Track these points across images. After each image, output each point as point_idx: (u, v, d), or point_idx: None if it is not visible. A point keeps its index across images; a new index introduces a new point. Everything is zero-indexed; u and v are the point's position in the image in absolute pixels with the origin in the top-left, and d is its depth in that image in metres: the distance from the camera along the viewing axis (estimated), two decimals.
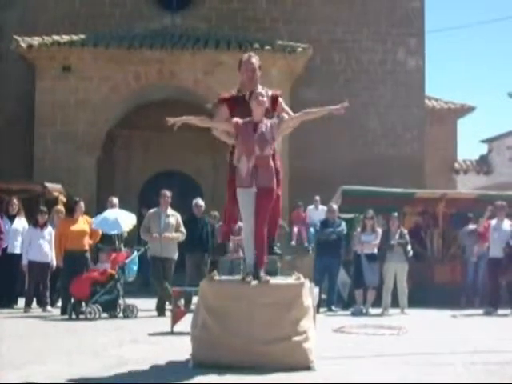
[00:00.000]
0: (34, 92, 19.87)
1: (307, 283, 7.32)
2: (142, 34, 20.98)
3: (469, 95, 61.92)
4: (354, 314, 13.53)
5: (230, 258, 11.67)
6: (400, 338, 10.01)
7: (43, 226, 13.48)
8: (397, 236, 13.99)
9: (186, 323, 8.62)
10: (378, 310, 13.67)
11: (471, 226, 15.32)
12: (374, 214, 14.09)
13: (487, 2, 58.41)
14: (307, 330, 7.06)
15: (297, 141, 18.14)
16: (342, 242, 14.43)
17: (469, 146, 60.72)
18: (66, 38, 20.14)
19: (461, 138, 28.76)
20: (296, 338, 6.95)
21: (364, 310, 13.72)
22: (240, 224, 7.89)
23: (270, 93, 7.53)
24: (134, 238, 14.77)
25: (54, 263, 13.30)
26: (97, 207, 17.03)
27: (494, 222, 14.37)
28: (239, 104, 7.42)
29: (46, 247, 13.36)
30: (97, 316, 11.68)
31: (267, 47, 20.05)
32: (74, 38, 20.20)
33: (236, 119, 7.37)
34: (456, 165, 28.00)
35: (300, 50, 20.05)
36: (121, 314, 12.09)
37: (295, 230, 19.00)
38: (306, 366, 6.89)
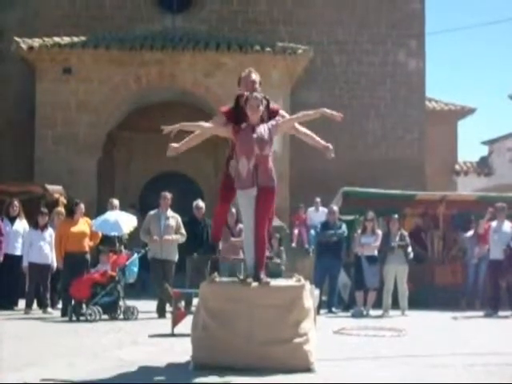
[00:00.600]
0: (34, 93, 19.87)
1: (308, 285, 7.32)
2: (143, 35, 20.99)
3: (469, 97, 61.98)
4: (354, 316, 13.52)
5: (228, 259, 11.71)
6: (400, 340, 10.01)
7: (44, 227, 13.47)
8: (397, 238, 13.99)
9: (186, 325, 8.62)
10: (379, 312, 13.67)
11: (471, 232, 15.31)
12: (375, 216, 14.09)
13: (488, 3, 58.49)
14: (308, 332, 7.06)
15: (297, 143, 18.09)
16: (342, 243, 14.43)
17: (469, 148, 60.70)
18: (66, 39, 20.15)
19: (461, 139, 28.86)
20: (296, 340, 6.95)
21: (364, 312, 13.72)
22: (241, 225, 7.91)
23: (268, 104, 7.48)
24: (134, 240, 14.75)
25: (55, 265, 13.30)
26: (97, 209, 17.03)
27: (494, 223, 14.36)
28: (237, 117, 7.39)
29: (46, 249, 13.35)
30: (97, 318, 11.68)
31: (268, 49, 20.06)
32: (75, 39, 20.21)
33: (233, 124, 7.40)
34: (456, 166, 28.02)
35: (300, 51, 20.06)
36: (121, 316, 12.08)
37: (296, 231, 19.02)
38: (307, 368, 6.90)
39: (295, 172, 19.23)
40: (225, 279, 8.16)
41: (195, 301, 9.58)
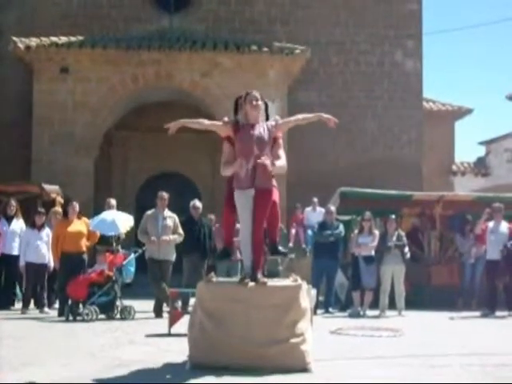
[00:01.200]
0: (31, 93, 19.85)
1: (305, 285, 7.33)
2: (140, 35, 20.98)
3: (466, 97, 61.99)
4: (351, 316, 13.52)
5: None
6: (397, 340, 10.01)
7: (41, 227, 13.46)
8: (394, 238, 13.99)
9: (183, 325, 8.63)
10: (376, 312, 13.67)
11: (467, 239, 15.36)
12: (372, 216, 14.09)
13: (485, 3, 58.54)
14: (304, 332, 7.07)
15: (295, 143, 18.15)
16: (339, 244, 14.42)
17: (466, 148, 60.74)
18: (63, 39, 20.13)
19: (458, 140, 28.88)
20: (293, 340, 6.95)
21: (361, 312, 13.72)
22: (238, 226, 7.90)
23: (272, 123, 7.46)
24: (131, 240, 14.75)
25: (52, 265, 13.29)
26: (94, 209, 17.03)
27: (491, 224, 14.37)
28: (239, 130, 7.36)
29: (43, 248, 13.35)
30: (94, 317, 11.67)
31: (265, 49, 20.07)
32: (72, 39, 20.19)
33: (231, 120, 7.41)
34: (453, 167, 28.03)
35: (298, 51, 20.06)
36: (118, 316, 12.08)
37: (293, 231, 19.02)
38: (303, 368, 6.91)
39: (292, 172, 19.17)
40: (222, 279, 8.16)
41: (192, 300, 9.58)
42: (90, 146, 19.76)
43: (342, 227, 14.45)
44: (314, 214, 18.36)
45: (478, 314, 13.87)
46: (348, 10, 22.75)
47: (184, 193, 18.65)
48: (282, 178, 18.93)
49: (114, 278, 12.10)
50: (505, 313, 13.74)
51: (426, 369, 7.40)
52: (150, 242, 12.57)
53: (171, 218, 12.79)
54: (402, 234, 14.25)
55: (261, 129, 7.29)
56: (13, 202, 13.86)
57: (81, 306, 11.78)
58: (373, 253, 13.86)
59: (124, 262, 12.34)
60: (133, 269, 12.56)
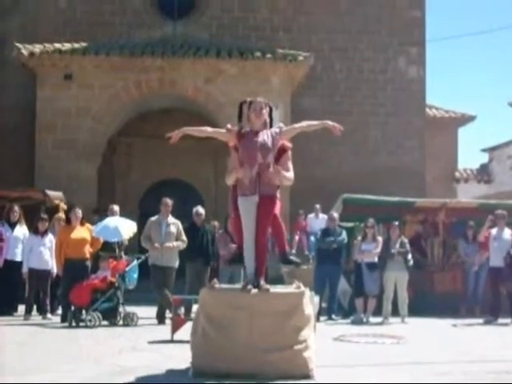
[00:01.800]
0: (35, 99, 19.89)
1: (307, 292, 7.32)
2: (143, 42, 21.02)
3: (469, 104, 61.95)
4: (354, 323, 13.51)
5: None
6: (400, 347, 10.00)
7: (44, 233, 13.47)
8: (397, 245, 13.98)
9: (186, 331, 8.62)
10: (379, 319, 13.65)
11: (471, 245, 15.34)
12: (375, 223, 14.09)
13: (488, 11, 58.57)
14: (307, 339, 7.06)
15: (298, 149, 18.10)
16: (342, 250, 14.40)
17: (469, 155, 60.69)
18: (67, 45, 20.18)
19: (461, 146, 28.84)
20: (296, 347, 6.95)
21: (364, 319, 13.71)
22: None
23: (276, 130, 7.45)
24: (134, 246, 14.76)
25: (55, 271, 13.29)
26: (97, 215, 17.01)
27: (494, 231, 14.36)
28: (243, 137, 7.36)
29: (46, 255, 13.34)
30: (97, 324, 11.67)
31: (268, 56, 20.09)
32: (76, 45, 20.23)
33: (234, 128, 7.41)
34: (457, 174, 28.02)
35: (301, 58, 20.08)
36: (121, 322, 12.07)
37: (296, 238, 19.02)
38: (306, 375, 6.90)
39: (295, 178, 19.23)
40: (224, 286, 8.15)
41: (195, 307, 9.58)
42: (94, 153, 19.78)
43: (344, 234, 14.44)
44: (317, 221, 18.36)
45: (481, 320, 13.84)
46: (351, 16, 22.77)
47: (187, 199, 18.65)
48: (284, 186, 18.95)
49: (116, 284, 12.10)
50: (508, 320, 13.70)
51: (428, 376, 7.39)
52: (153, 249, 12.56)
53: (175, 224, 12.78)
54: (405, 240, 14.24)
55: (265, 136, 7.28)
56: (16, 208, 13.86)
57: (84, 312, 11.78)
58: (376, 260, 13.85)
59: (127, 269, 12.34)
60: (136, 275, 12.56)
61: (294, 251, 18.36)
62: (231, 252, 12.87)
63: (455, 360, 8.56)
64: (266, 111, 7.38)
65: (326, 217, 15.84)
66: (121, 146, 22.07)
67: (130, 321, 12.04)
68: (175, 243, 12.65)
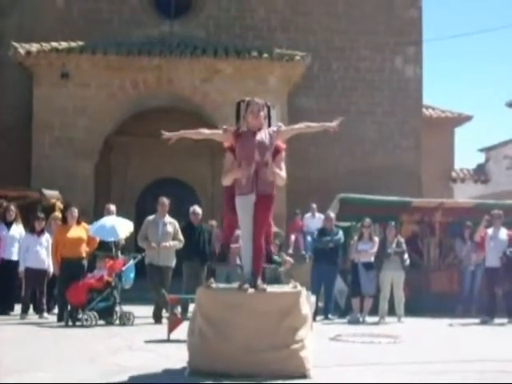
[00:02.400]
0: (31, 98, 19.88)
1: (304, 291, 7.33)
2: (141, 41, 21.01)
3: (466, 104, 62.04)
4: (350, 323, 13.52)
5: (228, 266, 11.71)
6: (397, 347, 10.01)
7: (40, 232, 13.46)
8: (394, 245, 13.99)
9: (182, 331, 8.62)
10: (375, 319, 13.66)
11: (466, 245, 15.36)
12: (371, 223, 14.10)
13: (485, 10, 58.62)
14: (304, 339, 7.07)
15: (294, 149, 18.15)
16: (339, 250, 14.41)
17: (466, 155, 60.79)
18: (64, 44, 20.16)
19: (458, 146, 28.81)
20: (293, 347, 6.95)
21: (361, 319, 13.72)
22: (238, 232, 7.91)
23: (274, 129, 7.44)
24: (130, 245, 14.75)
25: (51, 270, 13.28)
26: (94, 214, 17.02)
27: (490, 231, 14.37)
28: (240, 137, 7.35)
29: (42, 254, 13.34)
30: (93, 323, 11.66)
31: (265, 55, 20.10)
32: (72, 44, 20.23)
33: (231, 128, 7.40)
34: (453, 173, 28.04)
35: (298, 58, 20.09)
36: (117, 321, 12.06)
37: (292, 237, 19.02)
38: (303, 374, 6.90)
39: (292, 178, 19.21)
40: (221, 285, 8.16)
41: (191, 307, 9.58)
42: (90, 152, 19.77)
43: (341, 233, 14.45)
44: (314, 221, 18.37)
45: (477, 320, 13.86)
46: (348, 16, 22.79)
47: (184, 199, 18.64)
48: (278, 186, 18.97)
49: (113, 283, 12.10)
50: (504, 320, 13.73)
51: (424, 375, 7.39)
52: (150, 248, 12.56)
53: (171, 223, 12.78)
54: (402, 240, 14.25)
55: (262, 135, 7.28)
56: (12, 207, 13.84)
57: (80, 311, 11.76)
58: (372, 259, 13.86)
59: (123, 268, 12.34)
60: (132, 275, 12.55)
61: (290, 251, 18.40)
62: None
63: (451, 360, 8.57)
64: (263, 113, 7.36)
65: (322, 216, 15.85)
66: (117, 145, 22.04)
67: (126, 320, 12.04)
68: (172, 243, 12.64)
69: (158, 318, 12.54)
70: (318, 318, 13.49)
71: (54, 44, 20.10)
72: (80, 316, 11.70)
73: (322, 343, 9.34)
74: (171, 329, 10.05)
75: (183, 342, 7.70)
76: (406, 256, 14.04)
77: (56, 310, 13.07)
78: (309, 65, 20.49)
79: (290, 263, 13.21)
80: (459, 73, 60.80)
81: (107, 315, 12.04)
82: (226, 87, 19.54)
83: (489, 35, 70.85)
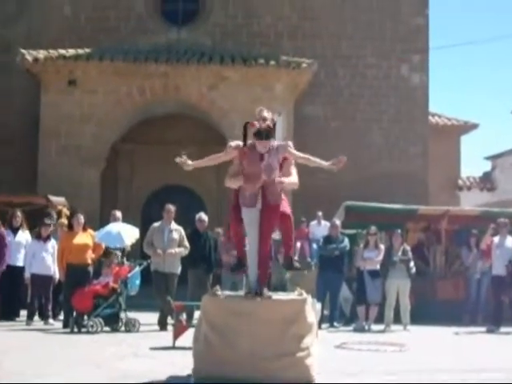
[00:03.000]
0: (38, 105, 19.92)
1: (310, 299, 7.33)
2: (148, 48, 21.05)
3: (472, 112, 61.97)
4: (356, 330, 13.50)
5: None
6: (402, 355, 9.99)
7: (46, 238, 13.48)
8: (400, 252, 13.97)
9: (187, 338, 8.62)
10: (381, 327, 13.64)
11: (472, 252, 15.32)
12: (377, 230, 14.08)
13: (491, 19, 58.62)
14: (309, 346, 7.06)
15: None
16: (344, 258, 14.39)
17: (472, 163, 60.66)
18: (71, 51, 20.21)
19: (464, 154, 28.72)
20: (298, 354, 6.95)
21: (366, 327, 13.69)
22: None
23: (282, 147, 7.45)
24: (136, 252, 14.77)
25: (57, 276, 13.29)
26: (100, 221, 17.04)
27: (496, 239, 14.34)
28: (247, 156, 7.35)
29: (48, 260, 13.36)
30: (99, 329, 11.67)
31: (272, 62, 20.10)
32: (80, 51, 20.27)
33: (238, 146, 7.39)
34: (459, 181, 27.98)
35: (305, 65, 20.09)
36: (123, 328, 12.06)
37: (298, 245, 18.99)
38: (308, 382, 6.91)
39: (298, 185, 19.24)
40: (227, 293, 8.16)
41: (197, 314, 9.57)
42: (97, 159, 19.80)
43: (346, 241, 14.43)
44: (319, 228, 18.34)
45: (483, 329, 13.82)
46: (355, 23, 22.80)
47: (189, 206, 18.65)
48: (287, 191, 18.96)
49: (118, 290, 12.11)
50: (510, 328, 13.67)
51: None
52: (155, 255, 12.56)
53: (177, 230, 12.79)
54: (408, 248, 14.23)
55: (270, 158, 7.28)
56: (18, 214, 13.87)
57: (85, 317, 11.78)
58: (378, 267, 13.84)
59: (129, 275, 12.35)
60: (138, 281, 12.56)
61: (296, 258, 18.35)
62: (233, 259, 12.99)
63: (457, 368, 8.55)
64: (268, 143, 7.30)
65: (328, 224, 15.83)
66: (124, 152, 22.08)
67: (131, 327, 12.04)
68: (177, 249, 12.64)
69: (163, 325, 12.53)
70: (324, 325, 13.47)
71: (62, 51, 20.15)
72: (85, 322, 11.71)
73: (327, 351, 9.32)
74: (176, 336, 10.05)
75: (188, 349, 7.70)
76: (411, 264, 14.02)
77: (61, 317, 13.08)
78: (315, 72, 20.48)
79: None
80: (465, 81, 60.81)
81: (113, 322, 12.05)
82: (233, 94, 19.56)
83: (495, 43, 70.82)
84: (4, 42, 21.78)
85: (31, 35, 21.66)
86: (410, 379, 7.63)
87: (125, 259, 12.82)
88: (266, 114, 7.58)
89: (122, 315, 12.15)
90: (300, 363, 6.95)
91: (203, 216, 13.63)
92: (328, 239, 14.55)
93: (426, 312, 14.74)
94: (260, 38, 22.51)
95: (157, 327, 12.58)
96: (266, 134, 7.21)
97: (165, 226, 12.75)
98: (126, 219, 14.49)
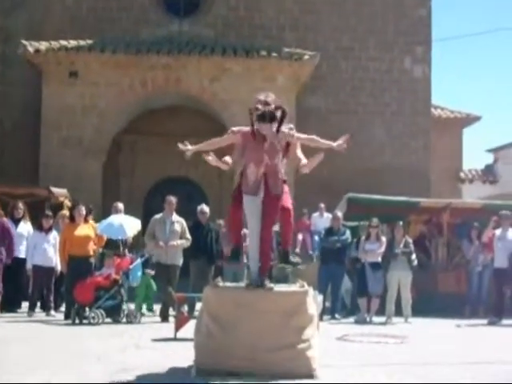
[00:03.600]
0: (40, 97, 19.91)
1: (311, 291, 7.32)
2: (149, 39, 21.04)
3: (475, 104, 61.87)
4: (357, 323, 13.50)
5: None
6: (403, 347, 9.99)
7: (48, 230, 13.49)
8: (401, 245, 13.96)
9: (189, 329, 8.62)
10: (382, 319, 13.64)
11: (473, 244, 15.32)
12: (379, 223, 14.07)
13: (494, 10, 58.47)
14: (311, 338, 7.06)
15: (302, 149, 18.14)
16: (346, 250, 14.40)
17: (474, 156, 60.54)
18: (73, 43, 20.20)
19: (466, 147, 28.66)
20: (299, 346, 6.94)
21: (368, 319, 13.70)
22: (245, 231, 7.90)
23: (285, 131, 7.44)
24: (139, 244, 14.77)
25: (59, 268, 13.30)
26: (102, 213, 17.04)
27: (498, 231, 14.34)
28: (250, 139, 7.33)
29: (50, 252, 13.36)
30: (100, 321, 11.68)
31: (274, 54, 20.09)
32: (82, 43, 20.27)
33: (242, 129, 7.40)
34: (461, 174, 27.96)
35: (307, 57, 20.07)
36: (124, 320, 12.08)
37: (300, 237, 19.00)
38: (309, 374, 6.89)
39: (299, 177, 19.23)
40: (228, 284, 8.16)
41: (198, 305, 9.58)
42: (99, 150, 19.80)
43: (348, 233, 14.43)
44: (321, 220, 18.34)
45: (485, 321, 13.82)
46: (357, 16, 22.76)
47: (191, 197, 18.65)
48: (289, 183, 18.93)
49: (120, 281, 12.11)
50: None
51: (431, 376, 7.38)
52: (157, 247, 12.56)
53: (179, 222, 12.78)
54: (410, 240, 14.22)
55: (273, 138, 7.27)
56: (20, 205, 13.87)
57: (87, 309, 11.79)
58: (379, 259, 13.84)
59: (131, 266, 12.35)
60: (139, 273, 12.57)
61: (297, 250, 18.37)
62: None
63: (458, 361, 8.54)
64: (275, 122, 7.27)
65: (330, 216, 15.84)
66: (126, 143, 22.07)
67: (133, 318, 12.06)
68: (179, 241, 12.64)
69: (164, 317, 12.54)
70: (325, 317, 13.47)
71: (63, 42, 20.15)
72: (87, 314, 11.72)
73: (328, 343, 9.33)
74: (178, 327, 10.06)
75: (190, 340, 7.70)
76: (413, 256, 14.02)
77: (63, 308, 13.10)
78: (317, 64, 20.47)
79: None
80: (468, 73, 60.69)
81: (114, 313, 12.06)
82: (235, 86, 19.54)
83: (497, 35, 70.68)
84: (5, 33, 21.75)
85: (32, 26, 21.64)
86: (411, 371, 7.63)
87: (126, 251, 12.84)
88: (270, 98, 7.55)
89: (124, 307, 12.17)
90: (301, 355, 6.94)
91: (205, 208, 13.63)
92: (329, 231, 14.55)
93: (427, 304, 14.75)
94: (262, 30, 22.47)
95: (158, 319, 12.59)
96: (270, 117, 7.20)
97: (166, 218, 12.74)
98: (127, 211, 14.48)
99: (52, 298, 13.39)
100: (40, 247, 13.33)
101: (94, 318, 11.65)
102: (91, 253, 12.82)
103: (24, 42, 19.61)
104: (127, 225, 12.86)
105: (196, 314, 9.50)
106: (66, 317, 12.34)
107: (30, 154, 20.12)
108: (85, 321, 11.68)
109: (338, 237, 14.28)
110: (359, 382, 6.97)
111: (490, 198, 22.40)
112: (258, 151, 7.21)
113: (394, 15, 22.96)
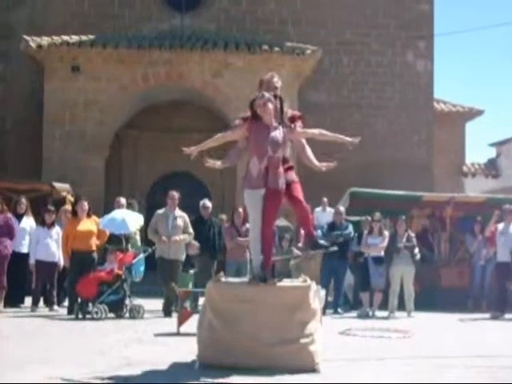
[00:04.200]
0: (42, 92, 19.90)
1: (314, 285, 7.32)
2: (151, 34, 21.01)
3: (477, 98, 61.80)
4: (360, 317, 13.51)
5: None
6: (406, 342, 9.99)
7: (51, 225, 13.50)
8: (404, 239, 13.96)
9: (192, 324, 8.62)
10: (385, 313, 13.65)
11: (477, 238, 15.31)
12: (382, 217, 14.07)
13: (498, 4, 58.33)
14: (313, 333, 7.06)
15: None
16: (348, 244, 14.39)
17: (477, 150, 60.50)
18: (75, 38, 20.17)
19: (469, 141, 28.64)
20: (302, 341, 6.94)
21: (370, 313, 13.71)
22: (247, 225, 7.91)
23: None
24: (141, 239, 14.76)
25: (62, 263, 13.32)
26: (104, 207, 17.05)
27: (501, 226, 14.33)
28: (254, 130, 7.33)
29: (53, 247, 13.37)
30: (103, 316, 11.70)
31: (276, 49, 20.04)
32: (84, 38, 20.23)
33: (246, 115, 7.39)
34: (464, 168, 27.96)
35: (309, 51, 20.03)
36: (127, 315, 12.09)
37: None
38: (312, 368, 6.90)
39: (302, 172, 19.17)
40: (231, 279, 8.16)
41: (201, 300, 9.58)
42: (101, 145, 19.79)
43: (351, 228, 14.43)
44: (324, 215, 18.30)
45: (487, 315, 13.83)
46: (359, 10, 22.70)
47: (194, 192, 18.64)
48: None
49: (123, 276, 12.12)
50: None
51: (434, 370, 7.38)
52: (160, 242, 12.57)
53: (181, 217, 12.79)
54: (412, 235, 14.22)
55: (276, 131, 7.26)
56: (23, 200, 13.88)
57: (90, 304, 11.80)
58: (382, 254, 13.84)
59: (133, 261, 12.36)
60: (142, 268, 12.58)
61: (300, 244, 18.35)
62: (238, 245, 13.02)
63: (461, 355, 8.54)
64: (271, 104, 7.29)
65: (332, 210, 15.83)
66: (128, 138, 22.05)
67: (136, 313, 12.06)
68: (182, 236, 12.66)
69: (167, 312, 12.56)
70: (328, 312, 13.48)
71: (65, 37, 20.11)
72: (90, 309, 11.74)
73: (331, 337, 9.34)
74: (181, 322, 10.06)
75: (193, 335, 7.70)
76: (416, 250, 14.02)
77: (66, 303, 13.12)
78: (320, 59, 20.43)
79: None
80: (470, 67, 60.59)
81: (117, 308, 12.07)
82: (237, 81, 19.51)
83: (500, 29, 70.52)
84: (7, 28, 21.73)
85: (34, 21, 21.62)
86: (414, 365, 7.63)
87: (129, 246, 12.85)
88: (277, 79, 7.55)
89: (127, 302, 12.18)
90: (304, 350, 6.95)
91: (207, 203, 13.64)
92: (332, 226, 14.55)
93: (430, 299, 14.77)
94: (264, 24, 22.43)
95: (161, 313, 12.60)
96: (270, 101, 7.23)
97: (169, 213, 12.75)
98: (130, 206, 14.47)
99: (55, 293, 13.41)
100: (43, 242, 13.34)
101: (97, 312, 11.66)
102: (94, 248, 12.84)
103: (26, 37, 19.58)
104: (129, 220, 12.86)
105: (199, 308, 9.50)
106: (69, 312, 12.36)
107: (33, 149, 20.12)
108: (88, 316, 11.69)
109: (341, 231, 14.27)
110: (362, 376, 6.96)
111: (493, 192, 22.37)
112: (262, 141, 7.19)
113: (396, 9, 22.91)
